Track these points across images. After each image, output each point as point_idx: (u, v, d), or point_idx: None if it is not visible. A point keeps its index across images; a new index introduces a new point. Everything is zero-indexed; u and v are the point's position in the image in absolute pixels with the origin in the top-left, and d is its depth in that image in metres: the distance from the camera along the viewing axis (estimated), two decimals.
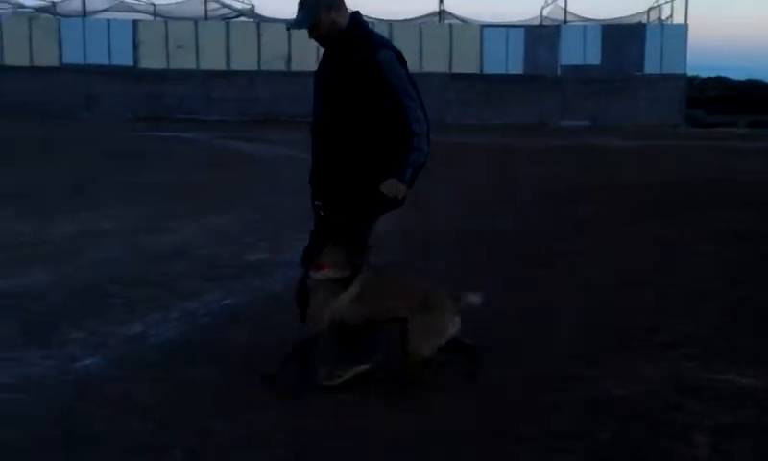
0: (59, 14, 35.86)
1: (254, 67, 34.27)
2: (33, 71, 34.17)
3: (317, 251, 4.70)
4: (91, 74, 34.23)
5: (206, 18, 35.27)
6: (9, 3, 36.82)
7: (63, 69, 34.41)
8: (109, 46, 34.48)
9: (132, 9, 36.04)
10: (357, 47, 4.73)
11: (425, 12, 36.17)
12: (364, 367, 4.82)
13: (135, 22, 34.83)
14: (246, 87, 34.04)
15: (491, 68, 34.67)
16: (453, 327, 4.67)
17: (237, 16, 36.66)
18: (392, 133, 4.69)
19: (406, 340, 4.58)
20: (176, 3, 35.89)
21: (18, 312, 6.28)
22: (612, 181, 15.67)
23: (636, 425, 4.31)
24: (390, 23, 34.31)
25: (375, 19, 34.57)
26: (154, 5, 36.66)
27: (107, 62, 34.45)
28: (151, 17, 36.00)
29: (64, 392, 4.77)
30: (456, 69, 34.55)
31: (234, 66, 34.30)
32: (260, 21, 35.42)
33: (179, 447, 4.05)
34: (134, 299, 6.73)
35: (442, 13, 36.02)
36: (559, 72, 34.86)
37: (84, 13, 35.43)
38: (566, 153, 22.37)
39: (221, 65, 34.32)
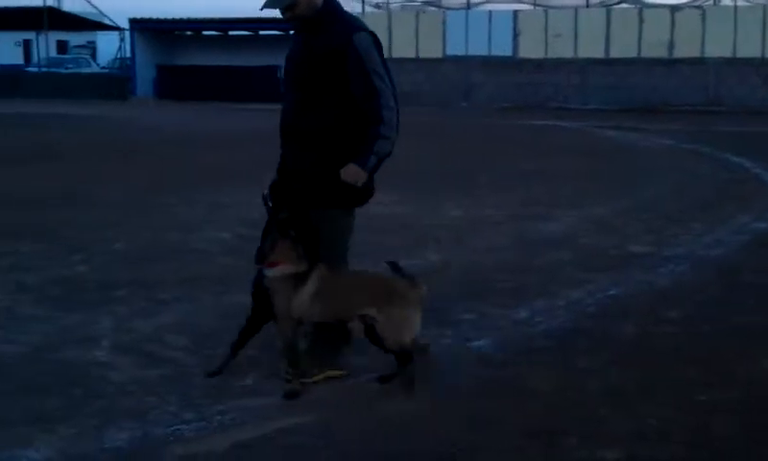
0: (444, 7, 37.40)
1: (634, 54, 33.42)
2: (418, 62, 35.94)
3: (269, 247, 4.51)
4: (471, 64, 35.32)
5: (587, 6, 35.01)
6: None
7: (446, 60, 35.84)
8: (490, 37, 35.34)
9: None
10: (332, 28, 4.56)
11: None
12: (336, 372, 4.72)
13: (516, 12, 35.40)
14: (624, 76, 33.26)
15: None
16: (419, 317, 4.53)
17: (619, 3, 35.99)
18: (362, 119, 4.56)
19: (381, 339, 4.50)
20: None
21: None
22: None
23: None
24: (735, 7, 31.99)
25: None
26: None
27: (486, 53, 35.37)
28: (531, 7, 36.42)
29: (457, 370, 4.99)
30: None
31: (613, 54, 33.68)
32: (642, 7, 34.49)
33: (573, 433, 4.07)
34: (520, 284, 6.84)
35: None
36: None
37: (468, 6, 36.65)
38: None
39: (599, 53, 33.86)
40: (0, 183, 12.31)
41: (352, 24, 4.66)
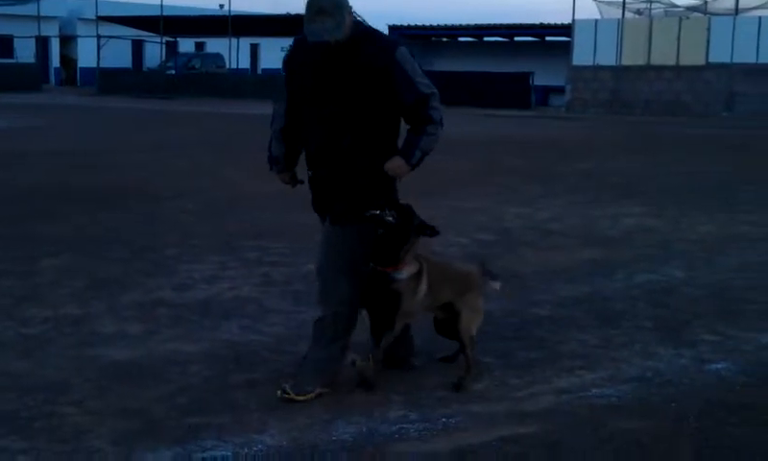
0: (709, 13, 35.81)
1: None
2: (677, 70, 34.63)
3: (395, 251, 4.54)
4: (735, 72, 33.60)
5: None
6: (662, 3, 37.76)
7: (708, 68, 34.28)
8: (758, 44, 33.48)
9: None
10: (368, 47, 4.51)
11: None
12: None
13: None
14: None
15: None
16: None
17: None
18: (396, 131, 4.69)
19: (458, 323, 4.78)
20: None
21: (651, 307, 6.41)
22: None
23: None
24: None
25: None
26: None
27: (753, 60, 33.52)
28: None
29: (691, 392, 4.77)
30: None
31: None
32: None
33: None
34: None
35: None
36: None
37: (736, 11, 34.88)
38: None
39: None
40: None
41: (389, 41, 4.71)
